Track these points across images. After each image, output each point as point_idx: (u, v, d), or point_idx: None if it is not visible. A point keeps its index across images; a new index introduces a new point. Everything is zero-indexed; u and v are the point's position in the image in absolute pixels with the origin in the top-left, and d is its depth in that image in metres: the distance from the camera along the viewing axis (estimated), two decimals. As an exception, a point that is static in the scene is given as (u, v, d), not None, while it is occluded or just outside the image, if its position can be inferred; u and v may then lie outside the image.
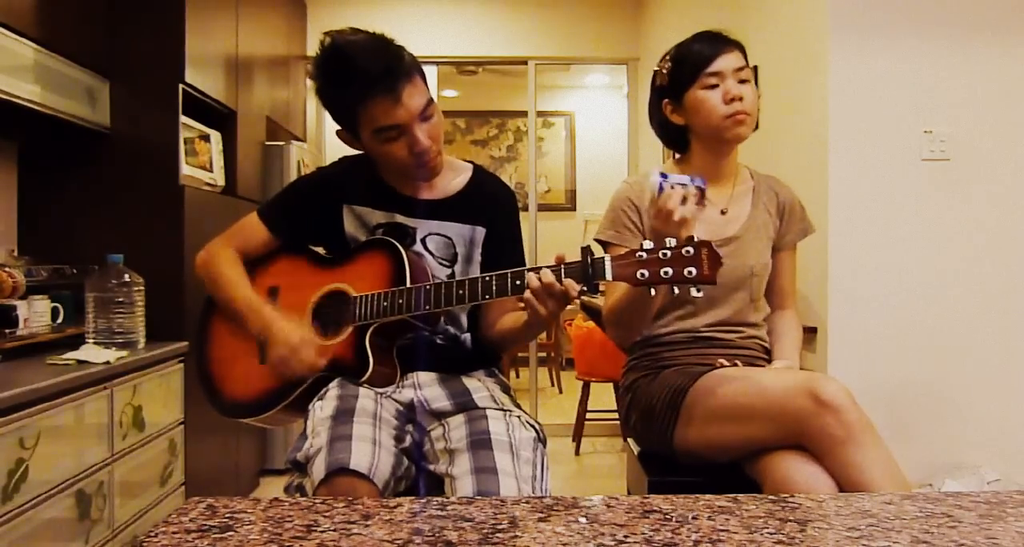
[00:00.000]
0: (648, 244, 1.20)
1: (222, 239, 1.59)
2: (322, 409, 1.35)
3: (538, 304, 1.24)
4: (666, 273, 1.17)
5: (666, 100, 1.71)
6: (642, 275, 1.18)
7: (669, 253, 1.18)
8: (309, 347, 1.41)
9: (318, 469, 1.21)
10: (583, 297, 1.28)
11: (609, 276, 1.20)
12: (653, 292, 1.22)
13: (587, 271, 1.22)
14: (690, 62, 1.64)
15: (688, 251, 1.17)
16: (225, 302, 1.54)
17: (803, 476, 1.35)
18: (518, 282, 1.27)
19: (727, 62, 1.62)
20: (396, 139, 1.40)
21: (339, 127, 1.47)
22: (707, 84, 1.62)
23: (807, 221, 1.82)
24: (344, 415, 1.31)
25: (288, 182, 2.83)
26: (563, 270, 1.23)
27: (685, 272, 1.16)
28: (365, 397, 1.37)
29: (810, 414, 1.35)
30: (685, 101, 1.66)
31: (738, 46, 1.66)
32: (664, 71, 1.70)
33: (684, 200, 1.36)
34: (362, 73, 1.35)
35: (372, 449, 1.24)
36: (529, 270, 1.26)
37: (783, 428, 1.39)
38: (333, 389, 1.40)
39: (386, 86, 1.35)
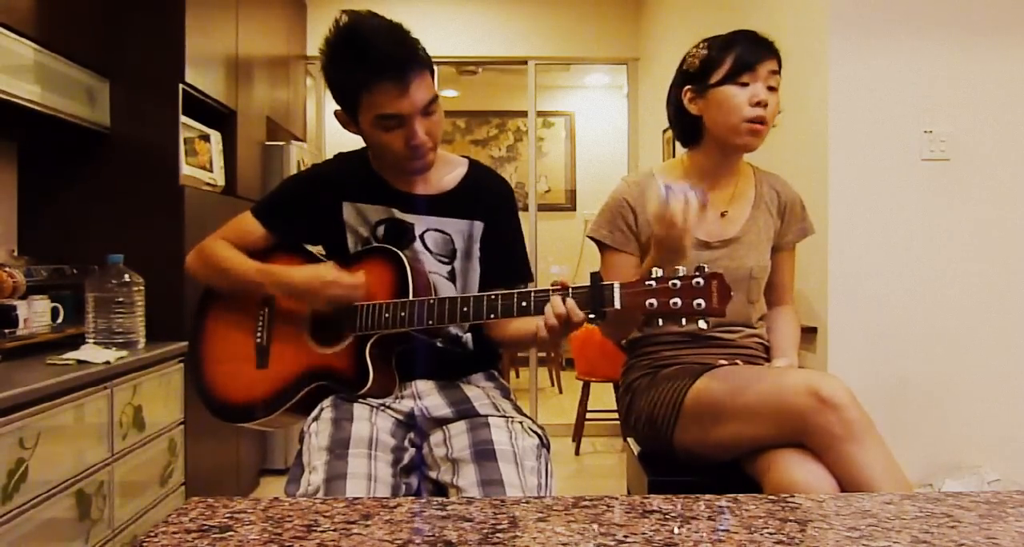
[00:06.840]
0: (657, 271, 1.19)
1: (213, 236, 1.57)
2: (317, 435, 1.34)
3: (544, 327, 1.23)
4: (675, 304, 1.17)
5: (688, 87, 1.67)
6: (651, 304, 1.18)
7: (679, 283, 1.17)
8: (339, 277, 1.39)
9: None
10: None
11: (618, 304, 1.19)
12: (660, 323, 1.20)
13: (595, 298, 1.20)
14: (730, 61, 1.60)
15: (698, 282, 1.16)
16: (233, 280, 1.51)
17: (803, 474, 1.35)
18: (524, 303, 1.26)
19: (765, 68, 1.60)
20: (394, 129, 1.38)
21: (338, 108, 1.44)
22: (739, 82, 1.59)
23: (807, 221, 1.81)
24: (339, 446, 1.30)
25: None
26: (571, 295, 1.22)
27: (694, 304, 1.16)
28: (360, 419, 1.36)
29: (811, 412, 1.35)
30: (710, 94, 1.62)
31: (777, 55, 1.64)
32: (698, 58, 1.65)
33: (687, 209, 1.35)
34: (374, 57, 1.32)
35: (367, 486, 1.25)
36: (536, 292, 1.26)
37: (784, 426, 1.39)
38: (327, 410, 1.39)
39: (396, 74, 1.32)
